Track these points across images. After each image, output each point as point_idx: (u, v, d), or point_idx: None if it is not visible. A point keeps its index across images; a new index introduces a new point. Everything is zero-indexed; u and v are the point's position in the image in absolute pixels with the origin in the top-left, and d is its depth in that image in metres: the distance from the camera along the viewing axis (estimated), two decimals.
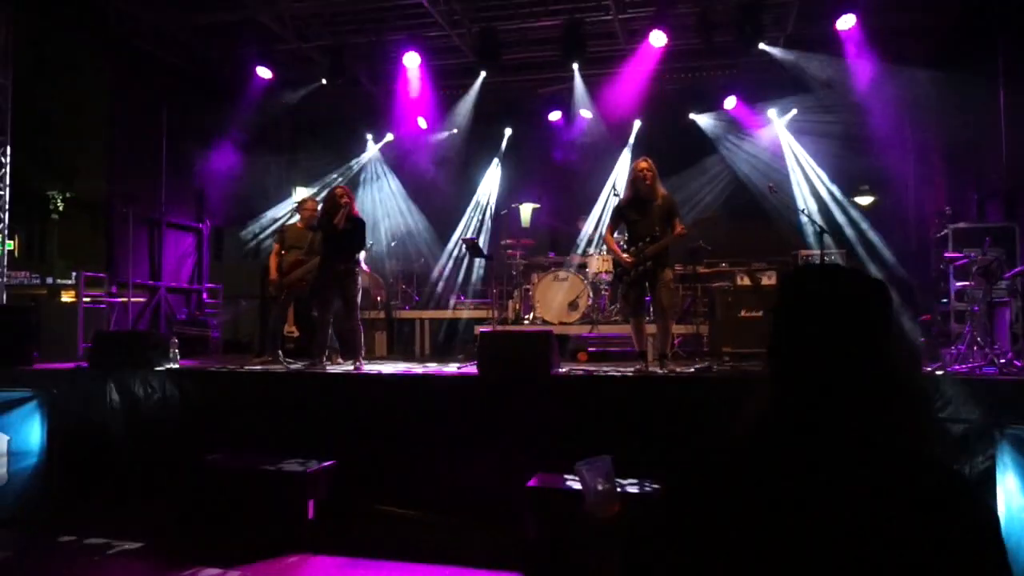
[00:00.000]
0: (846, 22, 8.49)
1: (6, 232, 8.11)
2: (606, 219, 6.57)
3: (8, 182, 7.98)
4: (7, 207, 7.99)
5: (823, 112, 10.46)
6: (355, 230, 7.12)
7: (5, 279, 8.32)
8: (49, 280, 17.28)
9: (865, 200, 10.92)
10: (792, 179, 10.96)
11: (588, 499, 2.14)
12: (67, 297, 15.74)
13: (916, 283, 9.21)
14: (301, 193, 11.43)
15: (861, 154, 10.12)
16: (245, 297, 11.54)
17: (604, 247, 9.40)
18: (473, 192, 12.32)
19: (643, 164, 6.37)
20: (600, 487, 2.13)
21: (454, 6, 9.32)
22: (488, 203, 12.19)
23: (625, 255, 6.34)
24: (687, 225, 6.39)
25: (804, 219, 9.24)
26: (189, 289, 11.11)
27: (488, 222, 12.08)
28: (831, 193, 10.69)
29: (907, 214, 10.39)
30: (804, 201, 10.53)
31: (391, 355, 9.58)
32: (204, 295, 11.24)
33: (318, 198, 9.16)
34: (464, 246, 8.94)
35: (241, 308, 11.67)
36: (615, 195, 8.25)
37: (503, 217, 10.10)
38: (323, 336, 7.23)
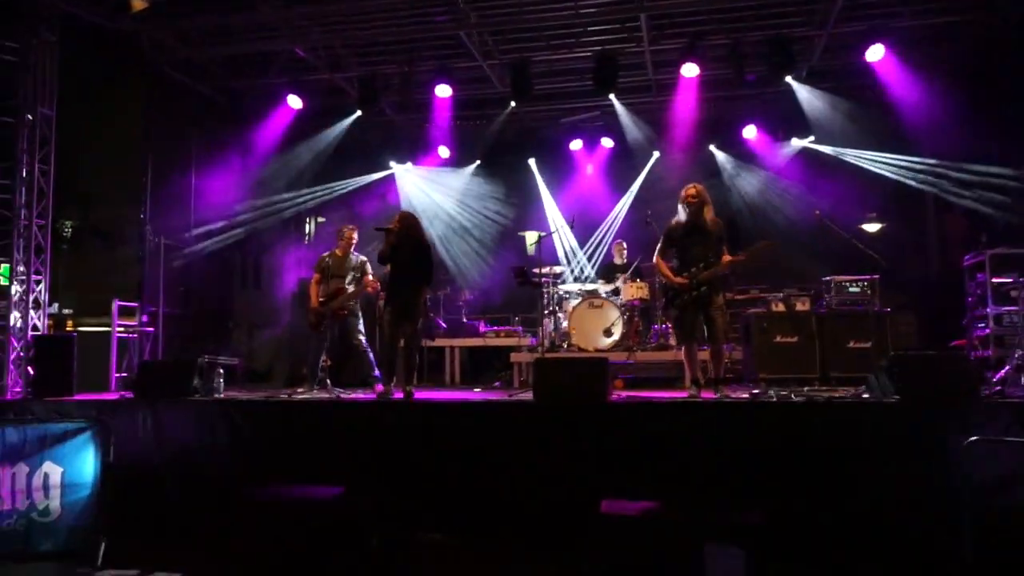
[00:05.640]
0: (875, 53, 8.59)
1: (48, 264, 8.04)
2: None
3: (51, 212, 7.95)
4: (49, 237, 7.95)
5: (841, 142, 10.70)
6: (422, 257, 6.93)
7: (40, 310, 8.22)
8: (52, 309, 17.04)
9: (873, 227, 11.06)
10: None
11: None
12: (69, 327, 15.49)
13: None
14: (317, 223, 11.45)
15: (872, 182, 10.32)
16: (260, 325, 11.48)
17: (629, 275, 9.47)
18: (494, 220, 12.39)
19: (691, 191, 6.40)
20: None
21: (487, 37, 9.43)
22: (513, 231, 12.26)
23: (678, 279, 6.36)
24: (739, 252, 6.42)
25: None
26: (215, 318, 11.04)
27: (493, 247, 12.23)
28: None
29: (928, 240, 10.55)
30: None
31: (421, 383, 9.51)
32: (229, 324, 11.19)
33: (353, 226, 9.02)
34: (514, 274, 8.96)
35: (256, 337, 11.58)
36: (648, 223, 8.33)
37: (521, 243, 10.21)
38: (389, 364, 7.06)
